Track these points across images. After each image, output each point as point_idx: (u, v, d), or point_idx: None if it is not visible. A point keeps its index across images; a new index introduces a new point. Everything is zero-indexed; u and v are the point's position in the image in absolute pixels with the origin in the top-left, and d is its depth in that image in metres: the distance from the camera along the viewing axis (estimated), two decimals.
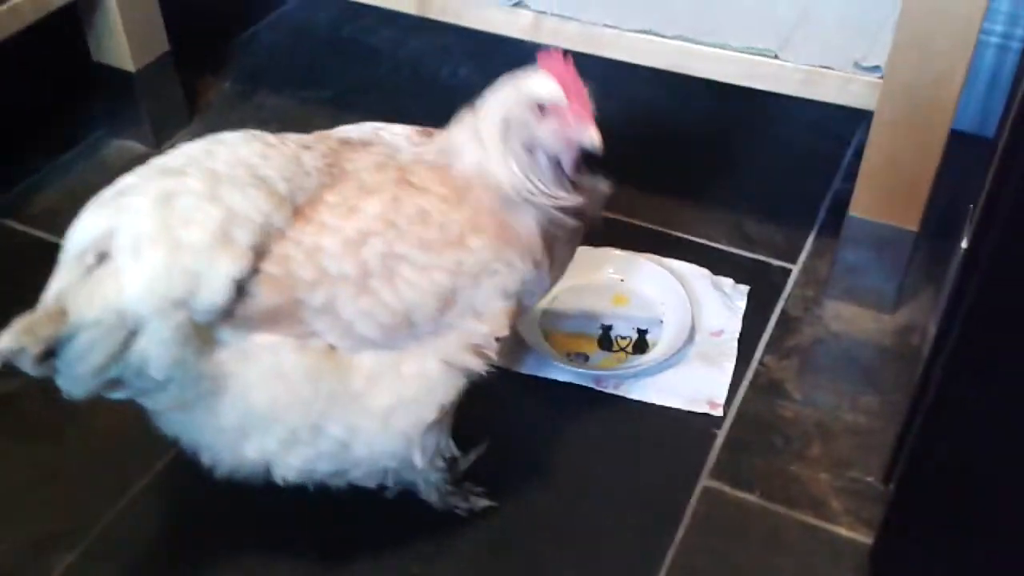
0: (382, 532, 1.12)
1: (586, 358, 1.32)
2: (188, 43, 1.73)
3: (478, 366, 0.99)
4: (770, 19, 1.32)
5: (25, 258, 1.46)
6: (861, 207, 1.31)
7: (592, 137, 0.96)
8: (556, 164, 0.99)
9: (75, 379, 0.85)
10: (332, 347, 0.93)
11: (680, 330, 1.32)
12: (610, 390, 1.28)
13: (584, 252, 1.30)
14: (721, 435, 1.23)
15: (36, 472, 1.19)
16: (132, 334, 0.85)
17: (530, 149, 0.98)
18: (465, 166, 0.98)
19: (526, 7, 1.37)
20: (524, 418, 1.27)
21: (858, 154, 1.34)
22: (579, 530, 1.14)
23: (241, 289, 0.88)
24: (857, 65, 1.24)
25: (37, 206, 1.56)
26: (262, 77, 1.86)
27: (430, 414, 0.98)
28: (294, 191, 0.92)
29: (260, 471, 0.97)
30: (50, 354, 0.83)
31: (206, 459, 0.98)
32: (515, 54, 1.91)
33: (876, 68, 1.22)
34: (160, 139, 1.67)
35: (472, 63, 1.89)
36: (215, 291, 0.86)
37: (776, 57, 1.26)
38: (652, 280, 1.40)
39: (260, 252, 0.88)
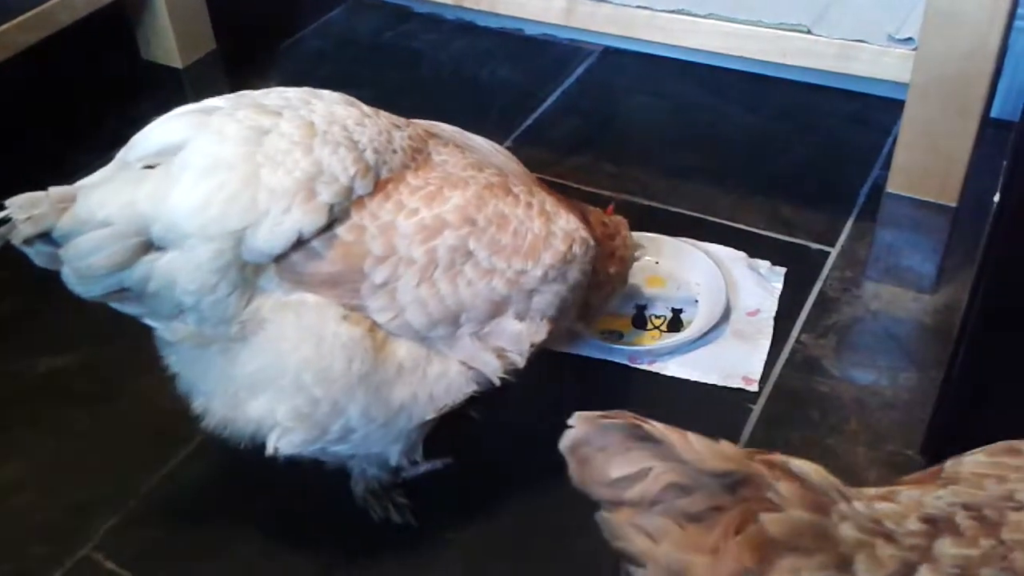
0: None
1: (620, 336, 1.32)
2: (236, 48, 1.79)
3: (495, 371, 0.98)
4: None
5: None
6: (898, 183, 1.31)
7: None
8: None
9: (78, 277, 0.84)
10: (374, 326, 0.92)
11: (715, 309, 1.32)
12: (644, 367, 1.28)
13: None
14: (756, 410, 1.22)
15: (80, 441, 1.22)
16: (146, 245, 0.83)
17: None
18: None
19: None
20: (557, 395, 1.27)
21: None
22: None
23: (307, 245, 0.87)
24: (891, 38, 1.24)
25: None
26: (306, 79, 1.87)
27: (432, 414, 0.97)
28: (380, 164, 0.91)
29: (248, 433, 0.95)
30: (48, 240, 0.82)
31: (197, 406, 0.96)
32: (551, 55, 1.95)
33: (910, 40, 1.22)
34: None
35: (511, 64, 1.92)
36: (276, 237, 0.85)
37: (809, 32, 1.26)
38: (687, 261, 1.40)
39: (337, 214, 0.88)
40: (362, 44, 2.01)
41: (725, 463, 0.65)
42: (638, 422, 0.66)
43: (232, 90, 1.74)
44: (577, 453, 0.67)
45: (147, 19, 1.60)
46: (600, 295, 1.14)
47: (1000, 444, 0.75)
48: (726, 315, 1.33)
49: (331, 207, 0.87)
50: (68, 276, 0.85)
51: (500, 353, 0.98)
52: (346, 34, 2.05)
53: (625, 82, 1.85)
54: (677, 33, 1.33)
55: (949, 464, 0.74)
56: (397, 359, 0.93)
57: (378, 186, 0.91)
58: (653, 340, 1.31)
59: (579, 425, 0.67)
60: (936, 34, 1.18)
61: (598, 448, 0.66)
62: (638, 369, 1.28)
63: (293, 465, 1.15)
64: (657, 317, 1.34)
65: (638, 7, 1.33)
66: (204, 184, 0.83)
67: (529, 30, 1.98)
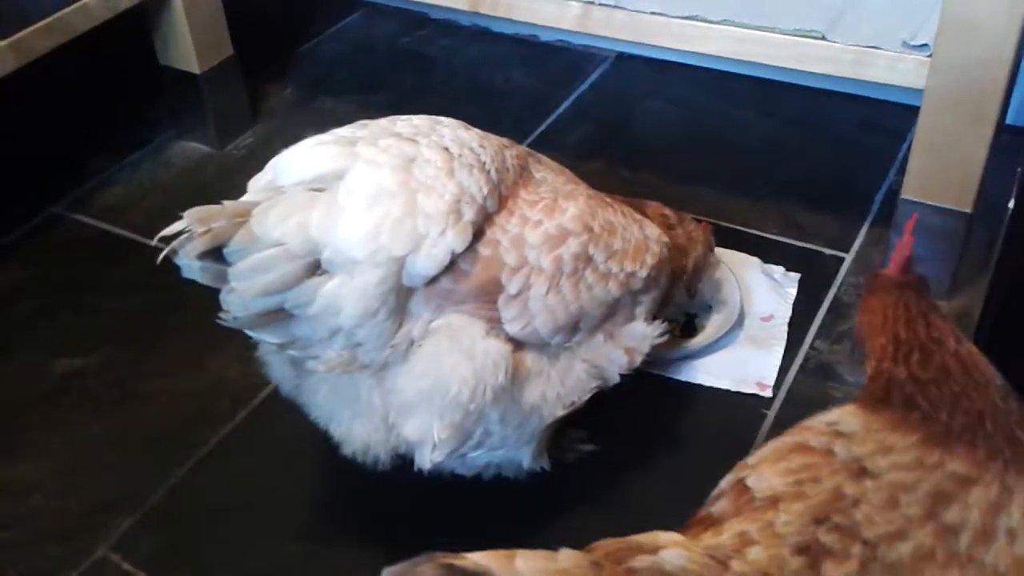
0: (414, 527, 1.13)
1: None
2: (252, 53, 1.80)
3: (622, 367, 1.03)
4: (818, 1, 1.33)
5: (92, 249, 1.52)
6: (913, 189, 1.30)
7: None
8: None
9: (242, 296, 0.84)
10: (508, 338, 0.95)
11: (729, 314, 1.32)
12: (656, 371, 1.28)
13: None
14: (770, 415, 1.22)
15: (97, 442, 1.23)
16: (313, 266, 0.84)
17: None
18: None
19: None
20: None
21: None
22: (625, 506, 1.13)
23: (454, 264, 0.90)
24: (906, 44, 1.24)
25: (105, 202, 1.62)
26: (322, 85, 1.91)
27: (561, 412, 1.00)
28: (500, 182, 0.95)
29: (395, 453, 0.97)
30: (217, 257, 0.82)
31: (336, 433, 0.98)
32: (565, 61, 1.96)
33: (925, 46, 1.22)
34: (224, 141, 1.73)
35: (525, 69, 1.93)
36: (434, 259, 0.87)
37: (824, 38, 1.26)
38: None
39: (476, 232, 0.91)
40: (378, 50, 2.03)
41: None
42: (451, 561, 0.60)
43: (249, 94, 1.79)
44: None
45: (164, 24, 1.61)
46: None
47: (784, 442, 0.77)
48: (740, 320, 1.33)
49: (473, 224, 0.90)
50: (230, 294, 0.85)
51: (628, 351, 1.04)
52: (362, 40, 2.06)
53: (639, 88, 1.86)
54: (691, 39, 1.34)
55: (751, 479, 0.74)
56: (526, 364, 0.96)
57: (500, 202, 0.95)
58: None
59: None
60: (952, 41, 1.17)
61: None
62: (650, 374, 1.28)
63: (309, 469, 1.16)
64: (670, 322, 1.34)
65: (652, 13, 1.34)
66: (373, 212, 0.85)
67: (544, 36, 1.99)
